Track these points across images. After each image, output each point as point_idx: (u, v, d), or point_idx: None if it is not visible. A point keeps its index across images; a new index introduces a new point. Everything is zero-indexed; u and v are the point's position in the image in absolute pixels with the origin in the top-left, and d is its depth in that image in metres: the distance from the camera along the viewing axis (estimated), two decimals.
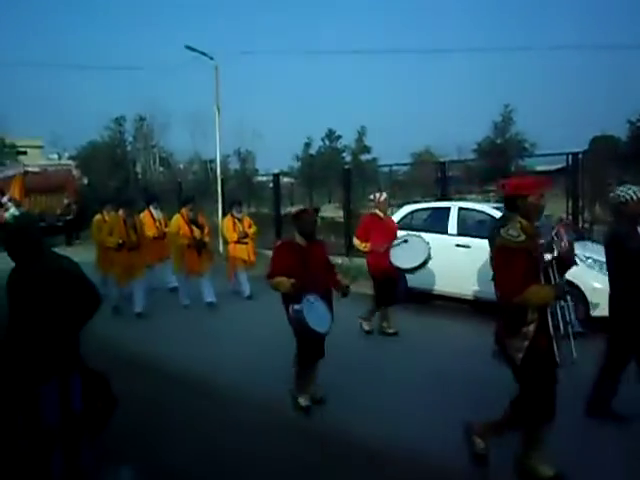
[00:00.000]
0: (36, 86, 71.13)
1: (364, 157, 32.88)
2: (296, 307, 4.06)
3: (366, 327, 6.82)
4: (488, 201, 12.02)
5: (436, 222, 8.33)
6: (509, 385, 3.29)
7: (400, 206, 10.15)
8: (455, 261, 7.78)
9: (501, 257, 3.20)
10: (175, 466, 3.64)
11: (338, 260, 11.93)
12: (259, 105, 68.60)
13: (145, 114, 38.31)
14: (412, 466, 3.58)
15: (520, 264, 3.04)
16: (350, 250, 12.37)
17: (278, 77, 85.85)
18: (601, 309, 6.51)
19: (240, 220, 9.43)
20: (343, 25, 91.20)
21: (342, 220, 13.31)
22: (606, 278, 6.36)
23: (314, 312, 4.11)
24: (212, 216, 17.83)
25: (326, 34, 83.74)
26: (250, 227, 9.52)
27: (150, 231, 9.14)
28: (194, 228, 8.44)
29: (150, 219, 9.51)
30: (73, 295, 3.11)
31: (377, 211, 6.79)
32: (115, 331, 7.00)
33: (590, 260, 6.70)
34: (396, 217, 9.00)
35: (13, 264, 3.12)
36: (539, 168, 21.03)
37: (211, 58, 16.12)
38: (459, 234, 7.90)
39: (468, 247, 7.68)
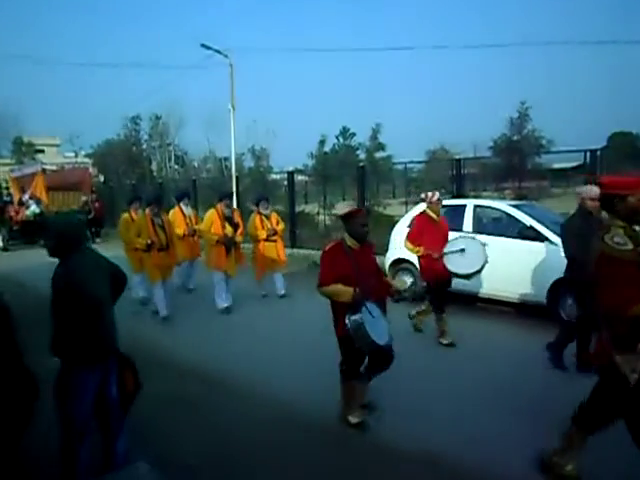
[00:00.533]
0: (53, 84, 71.95)
1: (378, 155, 32.69)
2: (355, 317, 3.74)
3: (419, 326, 6.66)
4: (504, 198, 11.93)
5: (452, 219, 8.22)
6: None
7: (416, 203, 10.12)
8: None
9: (606, 266, 2.89)
10: (189, 460, 3.67)
11: None
12: (274, 103, 68.92)
13: (161, 112, 38.53)
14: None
15: (629, 274, 2.78)
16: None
17: (293, 75, 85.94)
18: None
19: (267, 217, 9.02)
20: (358, 22, 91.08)
21: None
22: None
23: (373, 322, 3.80)
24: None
25: (341, 31, 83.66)
26: (278, 224, 9.12)
27: (180, 229, 8.96)
28: (227, 225, 8.10)
29: (180, 216, 9.32)
30: (109, 282, 3.32)
31: (429, 212, 6.40)
32: (143, 332, 6.92)
33: None
34: (411, 215, 8.98)
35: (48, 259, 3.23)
36: (556, 165, 20.87)
37: (226, 56, 16.21)
38: (475, 232, 7.83)
39: (484, 245, 7.60)
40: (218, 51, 16.05)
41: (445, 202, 9.07)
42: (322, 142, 37.87)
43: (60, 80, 79.05)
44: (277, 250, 8.99)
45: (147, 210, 7.83)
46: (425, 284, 6.61)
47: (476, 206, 8.12)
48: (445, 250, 6.11)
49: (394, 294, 4.41)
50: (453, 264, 6.07)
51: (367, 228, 4.14)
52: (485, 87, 75.04)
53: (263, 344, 6.37)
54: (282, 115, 69.65)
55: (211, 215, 8.18)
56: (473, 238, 6.58)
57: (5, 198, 20.22)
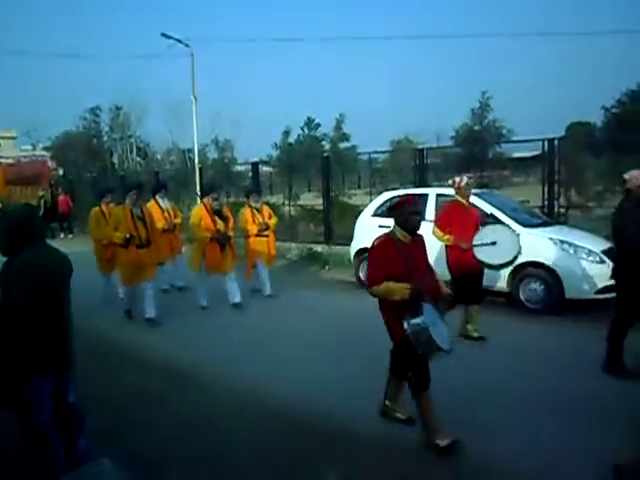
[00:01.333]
0: (8, 75, 69.54)
1: (343, 145, 32.83)
2: (416, 321, 3.32)
3: (474, 334, 5.95)
4: None
5: None
6: None
7: (379, 193, 10.19)
8: (433, 247, 7.81)
9: None
10: (155, 456, 3.65)
11: (318, 248, 11.99)
12: (237, 93, 68.23)
13: (121, 103, 37.74)
14: None
15: None
16: (329, 238, 12.43)
17: (256, 65, 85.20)
18: (575, 292, 6.67)
19: (259, 210, 8.40)
20: (322, 12, 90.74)
21: (321, 208, 13.30)
22: (580, 262, 6.65)
23: (434, 325, 3.37)
24: (192, 206, 17.73)
25: (304, 22, 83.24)
26: (270, 218, 8.50)
27: (159, 223, 8.15)
28: (218, 220, 7.56)
29: (158, 210, 8.58)
30: (68, 282, 3.16)
31: (459, 198, 6.03)
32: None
33: (565, 244, 6.82)
34: (375, 204, 9.05)
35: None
36: (516, 155, 21.29)
37: (187, 45, 15.99)
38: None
39: (518, 235, 7.71)
40: (179, 40, 15.80)
41: (408, 191, 9.23)
42: (287, 133, 37.86)
43: (16, 71, 76.55)
44: (268, 245, 8.44)
45: (126, 201, 6.93)
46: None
47: (438, 195, 8.22)
48: (475, 242, 5.76)
49: (447, 298, 3.88)
50: (484, 253, 5.74)
51: (419, 217, 3.72)
52: (448, 77, 75.89)
53: (243, 340, 6.32)
54: (246, 106, 69.18)
55: (199, 210, 7.70)
56: (507, 225, 6.51)
57: None
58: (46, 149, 39.42)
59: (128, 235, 6.69)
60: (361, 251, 8.89)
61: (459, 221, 5.90)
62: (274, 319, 7.15)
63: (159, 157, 39.63)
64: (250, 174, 15.85)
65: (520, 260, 6.94)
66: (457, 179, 6.06)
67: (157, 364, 5.49)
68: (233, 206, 16.34)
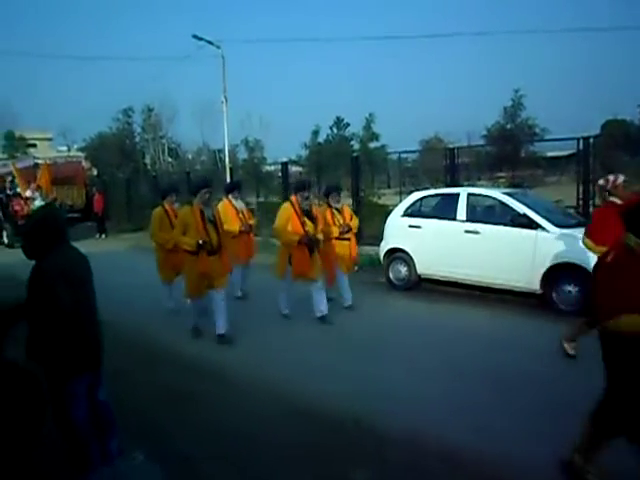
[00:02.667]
0: (45, 78, 71.36)
1: (372, 145, 32.64)
2: None
3: (570, 351, 5.18)
4: (498, 187, 11.94)
5: (445, 208, 8.29)
6: None
7: (409, 193, 10.12)
8: (464, 247, 7.75)
9: None
10: (192, 453, 3.68)
11: None
12: (267, 94, 68.57)
13: (153, 105, 38.31)
14: None
15: None
16: (358, 238, 12.37)
17: (286, 65, 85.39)
18: None
19: (339, 211, 7.50)
20: (350, 12, 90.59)
21: (351, 208, 13.25)
22: None
23: None
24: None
25: (333, 21, 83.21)
26: (352, 219, 7.59)
27: (234, 225, 7.67)
28: (307, 221, 6.73)
29: (232, 210, 7.94)
30: (91, 285, 3.16)
31: (614, 199, 5.27)
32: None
33: None
34: (405, 204, 8.99)
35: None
36: (550, 154, 20.87)
37: (218, 47, 16.11)
38: (468, 220, 7.85)
39: (477, 233, 7.64)
40: (210, 42, 15.94)
41: (439, 191, 9.16)
42: (316, 132, 37.80)
43: (52, 74, 78.58)
44: (350, 250, 7.52)
45: (196, 200, 6.10)
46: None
47: (469, 194, 8.12)
48: None
49: None
50: None
51: None
52: (479, 75, 74.88)
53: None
54: (276, 106, 69.30)
55: (287, 210, 6.80)
56: None
57: (8, 192, 18.80)
58: (81, 150, 40.31)
59: (201, 240, 5.85)
60: (390, 251, 8.85)
61: (614, 228, 4.53)
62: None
63: (190, 157, 40.12)
64: (280, 174, 15.94)
65: (554, 261, 6.84)
66: (611, 177, 5.36)
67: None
68: (262, 206, 16.59)
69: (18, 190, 18.43)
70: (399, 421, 4.02)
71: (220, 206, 7.74)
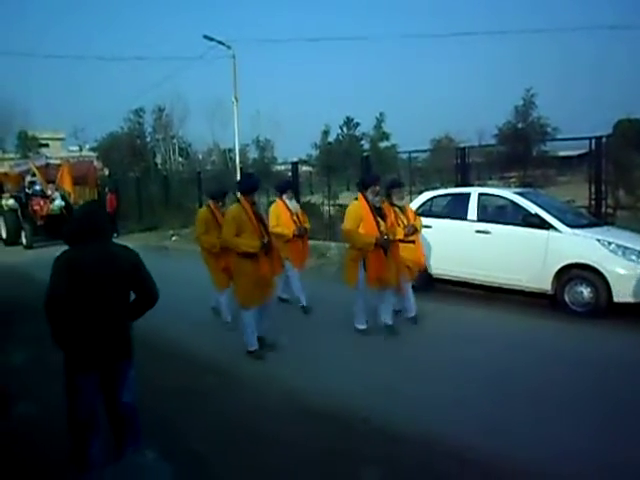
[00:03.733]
0: (57, 79, 71.94)
1: (383, 144, 32.63)
2: None
3: None
4: (509, 187, 11.89)
5: (456, 208, 8.27)
6: None
7: (419, 192, 10.10)
8: (475, 247, 7.72)
9: None
10: (200, 450, 3.71)
11: None
12: (277, 94, 68.71)
13: (164, 105, 38.51)
14: None
15: None
16: None
17: (296, 65, 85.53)
18: (624, 295, 6.44)
19: (402, 210, 6.66)
20: (360, 11, 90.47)
21: None
22: (629, 264, 6.42)
23: None
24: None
25: (344, 20, 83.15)
26: (415, 219, 6.76)
27: (288, 228, 7.10)
28: (380, 220, 6.02)
29: (286, 212, 7.28)
30: (127, 285, 3.12)
31: None
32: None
33: (613, 245, 6.60)
34: (415, 204, 8.97)
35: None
36: (562, 153, 20.73)
37: (228, 47, 16.16)
38: (479, 220, 7.81)
39: (488, 233, 7.61)
40: (221, 42, 15.99)
41: (449, 191, 9.12)
42: (326, 132, 37.87)
43: (63, 74, 79.11)
44: (417, 253, 6.64)
45: (242, 198, 5.63)
46: None
47: (480, 194, 8.08)
48: None
49: None
50: None
51: None
52: (491, 74, 74.43)
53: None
54: (286, 106, 69.48)
55: (358, 209, 6.06)
56: None
57: (27, 190, 18.07)
58: (92, 150, 40.63)
59: (266, 239, 5.44)
60: None
61: None
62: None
63: (200, 157, 40.28)
64: (290, 173, 15.96)
65: (566, 262, 6.80)
66: None
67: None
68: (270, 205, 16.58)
69: (38, 188, 17.73)
70: (410, 420, 4.02)
71: (273, 207, 7.38)
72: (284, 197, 7.44)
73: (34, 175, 18.47)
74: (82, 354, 2.97)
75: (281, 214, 7.21)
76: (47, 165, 19.43)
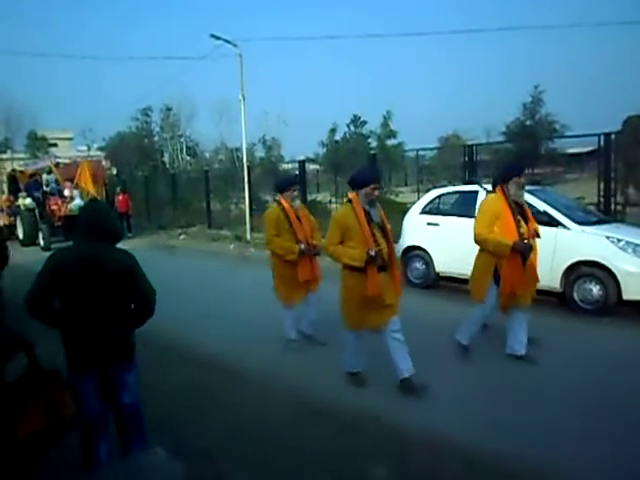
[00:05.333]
0: (65, 79, 72.31)
1: (390, 142, 32.50)
2: None
3: None
4: None
5: (463, 206, 8.23)
6: None
7: (427, 190, 10.08)
8: None
9: None
10: (209, 449, 3.72)
11: None
12: (284, 92, 68.49)
13: (172, 104, 38.56)
14: None
15: None
16: None
17: (303, 63, 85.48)
18: (634, 292, 6.40)
19: (521, 211, 5.15)
20: (367, 9, 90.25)
21: None
22: (639, 261, 6.37)
23: None
24: (239, 204, 18.02)
25: (349, 18, 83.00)
26: (532, 221, 5.21)
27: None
28: (521, 221, 4.97)
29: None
30: (118, 289, 2.99)
31: None
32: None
33: (623, 242, 6.56)
34: (423, 202, 8.95)
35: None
36: (570, 151, 20.61)
37: (235, 45, 16.13)
38: None
39: None
40: (227, 41, 15.96)
41: (457, 188, 9.09)
42: (333, 130, 37.67)
43: (72, 74, 79.50)
44: (533, 268, 5.13)
45: (353, 196, 4.52)
46: None
47: (488, 192, 8.03)
48: None
49: None
50: None
51: None
52: (498, 72, 74.12)
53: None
54: (293, 104, 69.42)
55: (493, 205, 5.01)
56: None
57: (45, 188, 17.58)
58: (100, 149, 40.75)
59: (372, 251, 4.24)
60: (408, 249, 8.81)
61: None
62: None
63: (208, 156, 40.29)
64: (297, 172, 15.98)
65: (575, 259, 6.76)
66: None
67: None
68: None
69: (55, 187, 17.24)
70: (420, 419, 4.02)
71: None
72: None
73: (50, 173, 18.01)
74: (74, 354, 2.98)
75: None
76: (57, 165, 19.03)
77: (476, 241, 5.02)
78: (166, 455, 3.27)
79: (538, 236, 5.21)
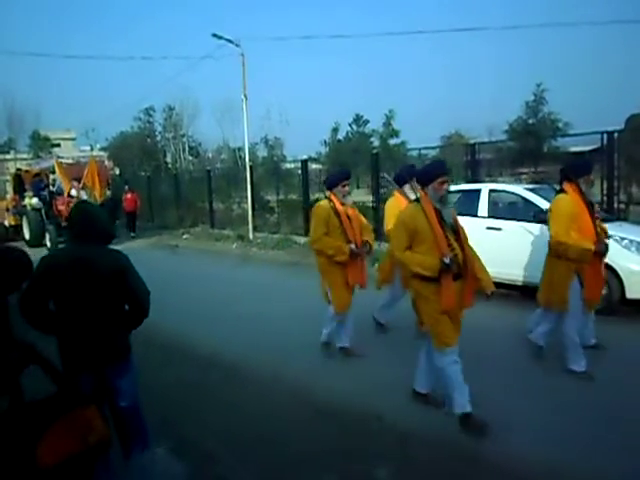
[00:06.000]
0: (68, 79, 72.46)
1: (392, 141, 32.48)
2: None
3: None
4: (520, 183, 11.81)
5: (466, 205, 8.21)
6: None
7: None
8: (486, 244, 7.66)
9: None
10: (211, 448, 3.72)
11: None
12: (286, 91, 68.62)
13: (174, 104, 38.64)
14: None
15: None
16: (379, 235, 12.35)
17: (305, 63, 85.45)
18: (637, 291, 6.37)
19: (593, 207, 4.84)
20: (368, 7, 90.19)
21: (371, 205, 13.25)
22: None
23: None
24: (242, 204, 18.01)
25: (351, 17, 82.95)
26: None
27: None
28: (598, 223, 4.78)
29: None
30: (110, 291, 2.96)
31: None
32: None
33: (626, 241, 6.53)
34: None
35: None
36: (573, 149, 20.52)
37: (237, 45, 16.13)
38: (490, 216, 7.77)
39: (499, 229, 7.56)
40: (230, 40, 15.96)
41: (460, 187, 9.07)
42: (335, 130, 37.71)
43: (74, 74, 79.63)
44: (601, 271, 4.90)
45: (421, 194, 4.00)
46: None
47: (491, 190, 8.04)
48: None
49: None
50: None
51: None
52: (500, 70, 73.98)
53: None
54: (295, 103, 69.42)
55: (570, 204, 4.62)
56: None
57: (51, 188, 17.20)
58: (103, 149, 40.84)
59: (448, 259, 3.68)
60: None
61: None
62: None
63: (210, 156, 40.36)
64: (299, 171, 15.97)
65: None
66: None
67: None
68: (282, 203, 16.66)
69: (61, 186, 16.78)
70: (424, 419, 4.01)
71: (390, 203, 5.91)
72: (406, 189, 5.79)
73: (53, 172, 17.61)
74: (68, 356, 2.97)
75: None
76: (61, 165, 18.86)
77: (553, 247, 4.63)
78: (168, 456, 3.29)
79: (607, 236, 4.98)
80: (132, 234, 18.55)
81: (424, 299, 3.84)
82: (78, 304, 2.89)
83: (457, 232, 3.92)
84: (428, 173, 3.95)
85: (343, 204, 5.14)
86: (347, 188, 5.12)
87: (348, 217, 5.11)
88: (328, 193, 5.18)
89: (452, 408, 3.83)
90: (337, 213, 5.04)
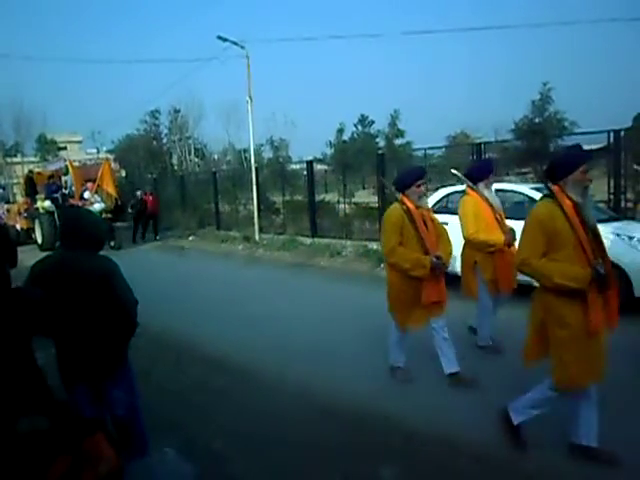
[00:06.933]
0: (74, 82, 72.85)
1: (398, 141, 32.48)
2: None
3: None
4: (526, 182, 11.77)
5: None
6: None
7: (435, 189, 10.04)
8: None
9: None
10: (218, 449, 3.73)
11: (373, 245, 11.94)
12: (291, 93, 68.74)
13: (179, 106, 38.76)
14: None
15: None
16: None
17: (310, 64, 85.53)
18: None
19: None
20: (372, 7, 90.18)
21: (376, 205, 13.25)
22: None
23: None
24: (247, 205, 18.06)
25: (356, 18, 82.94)
26: None
27: (494, 234, 5.09)
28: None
29: (487, 210, 5.20)
30: (97, 300, 2.85)
31: None
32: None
33: (634, 240, 6.51)
34: (432, 200, 8.91)
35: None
36: None
37: (242, 47, 16.16)
38: None
39: None
40: (235, 42, 15.99)
41: (465, 187, 9.03)
42: (341, 131, 37.81)
43: (81, 77, 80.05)
44: None
45: (556, 190, 3.26)
46: None
47: (497, 190, 7.98)
48: None
49: None
50: None
51: None
52: (506, 69, 73.67)
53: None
54: (300, 104, 69.44)
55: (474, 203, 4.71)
56: None
57: (64, 190, 16.89)
58: (109, 152, 41.00)
59: (602, 268, 3.11)
60: None
61: None
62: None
63: (216, 157, 40.45)
64: (305, 172, 15.99)
65: None
66: None
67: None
68: (288, 204, 16.68)
69: (74, 189, 16.57)
70: (430, 417, 4.01)
71: (464, 200, 5.34)
72: (481, 187, 5.32)
73: (65, 173, 17.35)
74: (63, 366, 2.99)
75: (481, 211, 5.01)
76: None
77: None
78: (177, 456, 3.30)
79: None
80: (157, 237, 17.94)
81: (566, 327, 3.08)
82: (66, 313, 2.82)
83: (596, 235, 3.21)
84: (570, 161, 3.19)
85: (418, 207, 4.40)
86: (422, 188, 4.40)
87: (424, 223, 4.37)
88: (399, 195, 4.45)
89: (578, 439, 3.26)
90: (412, 219, 4.29)
